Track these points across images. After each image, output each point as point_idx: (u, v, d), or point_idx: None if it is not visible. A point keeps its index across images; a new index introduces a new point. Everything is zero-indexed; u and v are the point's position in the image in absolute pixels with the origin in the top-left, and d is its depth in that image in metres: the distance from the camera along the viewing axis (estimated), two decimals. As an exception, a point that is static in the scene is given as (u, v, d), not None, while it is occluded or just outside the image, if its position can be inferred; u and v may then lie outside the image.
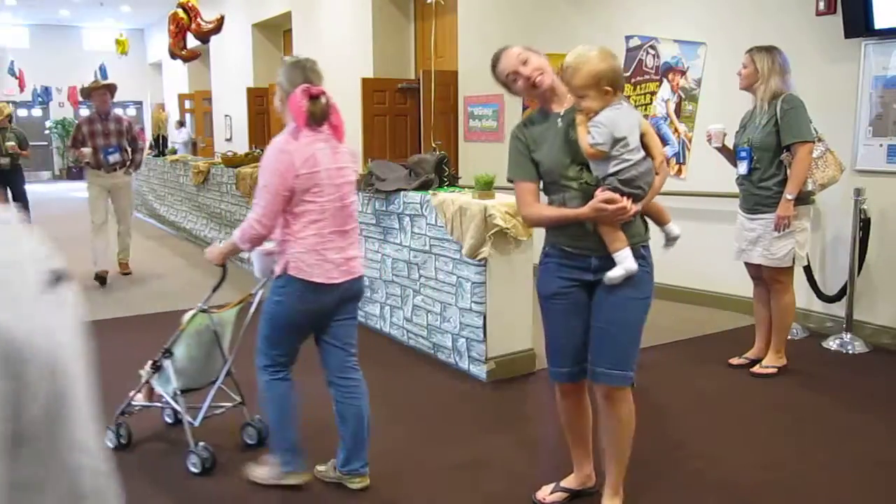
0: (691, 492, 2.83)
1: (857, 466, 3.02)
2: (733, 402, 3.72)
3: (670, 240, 2.61)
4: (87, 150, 6.45)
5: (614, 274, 2.36)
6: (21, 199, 7.87)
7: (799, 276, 4.82)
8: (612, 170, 2.31)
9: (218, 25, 9.15)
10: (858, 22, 4.39)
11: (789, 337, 4.79)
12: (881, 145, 4.48)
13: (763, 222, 3.92)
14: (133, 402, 3.19)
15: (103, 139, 6.48)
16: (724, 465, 3.03)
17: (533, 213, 2.56)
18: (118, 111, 7.04)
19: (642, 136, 2.39)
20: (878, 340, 4.58)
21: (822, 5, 4.67)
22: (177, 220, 9.55)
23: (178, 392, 3.04)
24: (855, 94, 4.56)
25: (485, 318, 3.98)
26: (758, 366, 4.10)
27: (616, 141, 2.28)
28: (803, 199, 3.88)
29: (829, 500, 2.77)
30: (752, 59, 3.89)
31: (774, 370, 4.05)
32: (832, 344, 4.57)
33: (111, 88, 6.67)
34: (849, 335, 4.56)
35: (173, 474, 2.99)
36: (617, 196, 2.28)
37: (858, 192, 4.47)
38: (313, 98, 2.62)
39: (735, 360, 4.24)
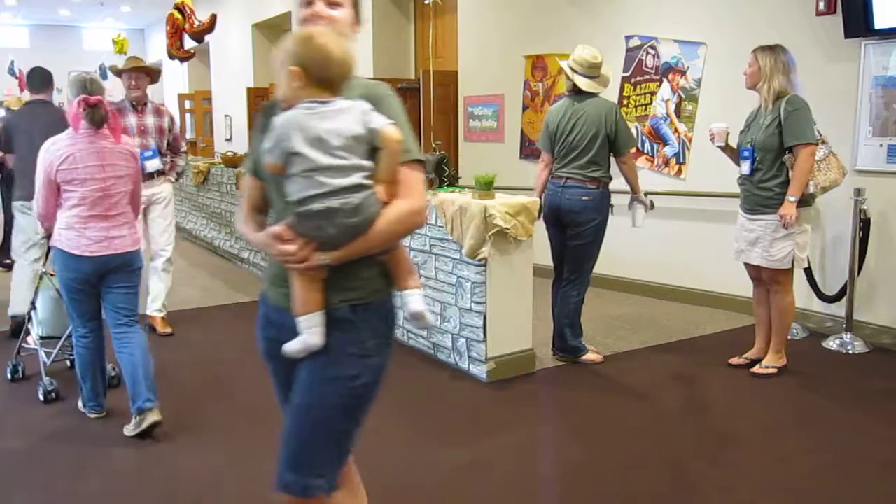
0: (692, 492, 2.83)
1: (857, 466, 3.02)
2: (733, 402, 3.72)
3: (410, 317, 1.90)
4: None
5: (290, 348, 1.71)
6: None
7: (799, 277, 4.82)
8: (295, 196, 1.64)
9: (210, 24, 9.15)
10: (858, 22, 4.39)
11: (789, 337, 4.80)
12: (881, 145, 4.48)
13: (763, 223, 3.90)
14: (23, 345, 4.02)
15: (138, 138, 4.85)
16: (725, 466, 3.03)
17: (237, 226, 1.94)
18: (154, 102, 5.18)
19: (379, 155, 1.67)
20: (878, 340, 4.58)
21: (822, 5, 4.67)
22: (177, 220, 9.54)
23: (40, 337, 3.90)
24: (855, 95, 4.56)
25: (485, 318, 3.98)
26: (758, 366, 4.08)
27: (290, 155, 1.63)
28: (804, 201, 3.84)
29: (829, 500, 2.77)
30: (755, 57, 3.87)
31: (774, 370, 4.04)
32: (832, 344, 4.56)
33: (152, 72, 5.01)
34: (849, 335, 4.56)
35: (28, 398, 3.77)
36: (287, 233, 1.64)
37: (858, 192, 4.47)
38: (92, 106, 3.23)
39: (735, 360, 4.22)
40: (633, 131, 5.96)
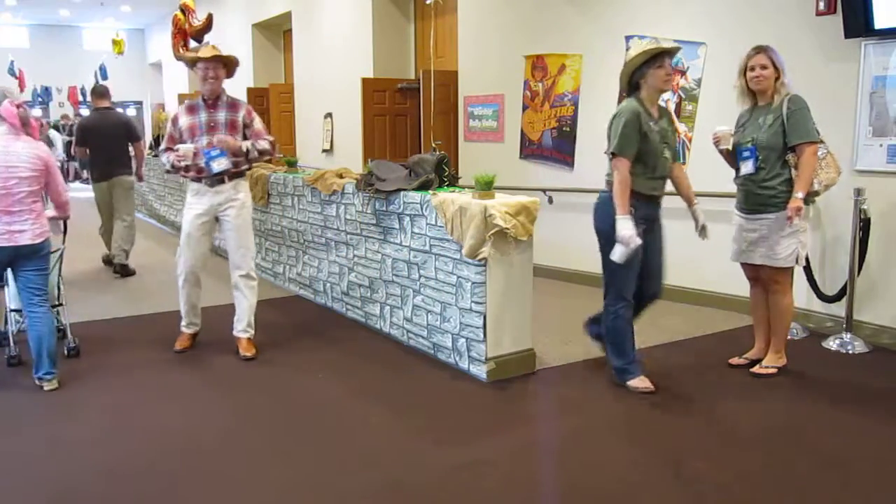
0: (692, 492, 2.83)
1: (857, 466, 3.02)
2: (733, 402, 3.72)
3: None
4: (187, 148, 4.32)
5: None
6: None
7: (799, 276, 4.83)
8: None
9: (207, 24, 9.17)
10: (858, 22, 4.39)
11: (789, 337, 4.80)
12: (881, 145, 4.48)
13: (767, 222, 3.89)
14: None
15: (206, 136, 4.38)
16: (725, 466, 3.03)
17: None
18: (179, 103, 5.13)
19: None
20: (878, 340, 4.58)
21: (822, 5, 4.67)
22: (177, 221, 9.55)
23: (10, 310, 4.47)
24: (855, 95, 4.56)
25: (485, 318, 3.98)
26: (758, 366, 4.09)
27: None
28: (805, 199, 3.84)
29: (829, 500, 2.77)
30: (769, 58, 3.83)
31: (774, 370, 4.04)
32: (832, 344, 4.57)
33: (230, 63, 4.48)
34: (849, 335, 4.56)
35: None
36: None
37: (858, 192, 4.47)
38: (18, 108, 3.83)
39: (735, 361, 4.23)
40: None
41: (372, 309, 5.02)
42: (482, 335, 3.99)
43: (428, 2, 6.57)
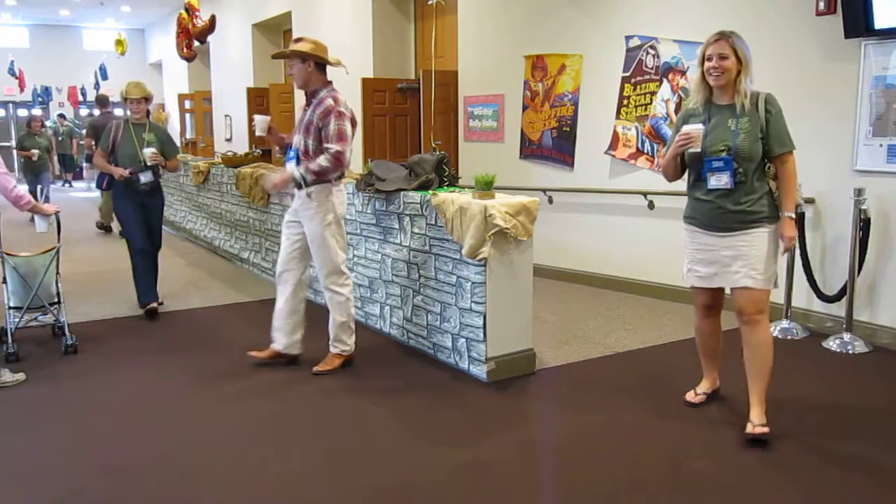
0: (692, 492, 2.83)
1: (857, 466, 3.02)
2: (733, 402, 3.72)
3: None
4: (261, 119, 4.20)
5: None
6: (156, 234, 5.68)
7: (799, 276, 4.83)
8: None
9: (210, 24, 9.20)
10: (858, 22, 4.39)
11: (789, 337, 4.81)
12: (881, 145, 4.48)
13: (748, 238, 3.25)
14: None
15: (298, 136, 4.09)
16: (725, 466, 3.03)
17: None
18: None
19: None
20: (878, 340, 4.58)
21: (822, 5, 4.67)
22: (177, 220, 9.55)
23: (10, 307, 4.55)
24: (855, 95, 4.56)
25: (485, 318, 3.98)
26: (750, 425, 3.27)
27: None
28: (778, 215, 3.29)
29: (829, 500, 2.77)
30: (731, 46, 3.20)
31: (768, 429, 3.24)
32: (832, 344, 4.56)
33: (303, 55, 4.01)
34: (849, 335, 4.56)
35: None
36: None
37: (858, 192, 4.47)
38: None
39: (692, 398, 3.69)
40: (633, 132, 5.97)
41: (372, 309, 5.02)
42: (482, 335, 4.00)
43: (430, 2, 6.57)
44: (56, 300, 4.67)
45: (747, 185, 3.23)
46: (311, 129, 3.99)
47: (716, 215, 3.31)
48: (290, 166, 4.05)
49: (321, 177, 3.97)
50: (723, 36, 3.21)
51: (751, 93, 3.23)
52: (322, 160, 3.93)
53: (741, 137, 3.20)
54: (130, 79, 5.94)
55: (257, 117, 4.23)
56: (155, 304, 5.52)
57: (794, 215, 3.24)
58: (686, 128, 3.28)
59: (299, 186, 4.00)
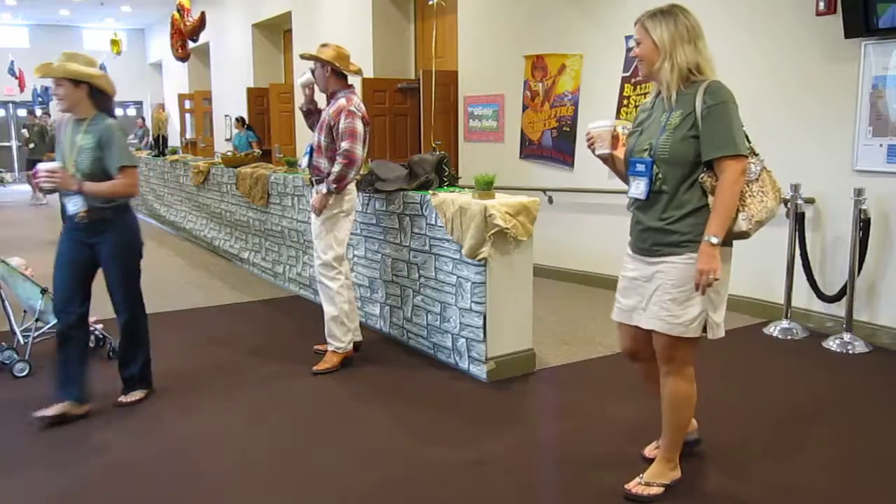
0: (692, 491, 2.83)
1: (857, 466, 3.02)
2: (733, 402, 3.72)
3: None
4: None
5: None
6: None
7: (799, 276, 4.83)
8: None
9: (200, 21, 9.22)
10: (858, 22, 4.40)
11: (789, 337, 4.80)
12: (881, 145, 4.49)
13: (665, 268, 2.59)
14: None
15: (316, 136, 4.20)
16: (725, 466, 3.03)
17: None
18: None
19: None
20: (878, 340, 4.58)
21: (822, 5, 4.67)
22: (177, 220, 9.55)
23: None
24: (855, 95, 4.56)
25: (485, 318, 3.98)
26: (635, 482, 2.77)
27: None
28: (726, 240, 2.54)
29: (829, 500, 2.77)
30: (644, 29, 2.60)
31: (660, 489, 2.74)
32: (832, 344, 4.56)
33: (324, 61, 4.10)
34: (849, 335, 4.56)
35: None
36: None
37: (858, 192, 4.47)
38: None
39: (650, 452, 3.07)
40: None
41: (372, 309, 5.02)
42: (482, 335, 4.00)
43: (430, 2, 6.57)
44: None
45: (673, 198, 2.56)
46: (324, 126, 4.12)
47: (636, 232, 2.71)
48: (320, 187, 4.13)
49: (343, 180, 4.07)
50: (638, 19, 2.64)
51: (688, 74, 2.55)
52: (336, 166, 4.05)
53: (663, 136, 2.56)
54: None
55: (305, 76, 4.26)
56: (67, 407, 3.48)
57: (717, 241, 2.45)
58: (590, 125, 2.79)
59: (330, 194, 4.09)
